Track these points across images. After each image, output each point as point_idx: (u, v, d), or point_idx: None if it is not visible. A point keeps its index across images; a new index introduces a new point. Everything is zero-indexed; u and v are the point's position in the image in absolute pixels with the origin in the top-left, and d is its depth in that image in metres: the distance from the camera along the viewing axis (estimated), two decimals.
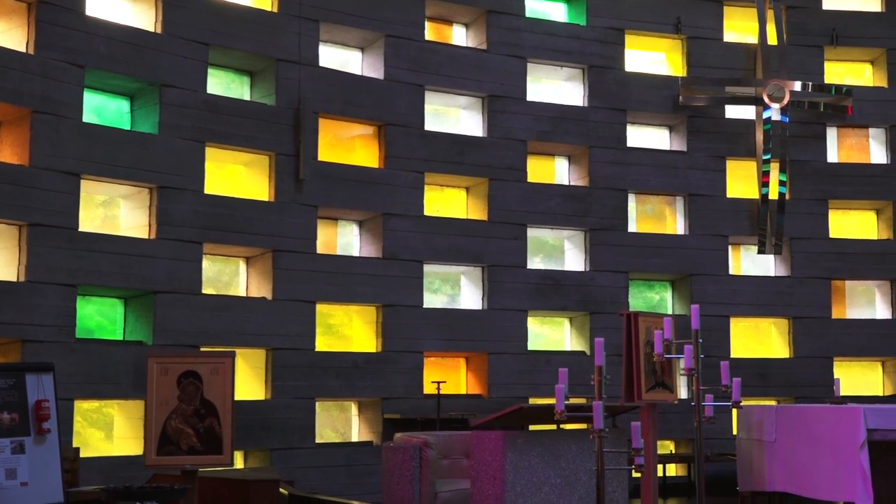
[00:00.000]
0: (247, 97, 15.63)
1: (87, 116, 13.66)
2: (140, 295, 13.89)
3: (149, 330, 13.72)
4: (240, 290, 15.24)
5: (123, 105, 14.48)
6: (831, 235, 18.51)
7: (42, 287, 12.68)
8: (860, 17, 19.11)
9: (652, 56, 18.90)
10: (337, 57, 16.48)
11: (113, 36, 13.76)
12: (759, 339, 18.55)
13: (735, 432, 13.96)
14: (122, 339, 13.93)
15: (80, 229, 13.21)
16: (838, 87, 18.44)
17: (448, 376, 16.30)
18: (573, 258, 17.69)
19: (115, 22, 14.04)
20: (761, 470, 12.53)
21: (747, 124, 18.40)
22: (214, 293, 14.87)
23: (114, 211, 14.44)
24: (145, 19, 14.42)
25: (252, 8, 15.43)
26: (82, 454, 12.11)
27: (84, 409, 13.70)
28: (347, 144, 16.40)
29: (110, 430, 13.91)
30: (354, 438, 15.81)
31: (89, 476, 11.87)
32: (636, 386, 11.72)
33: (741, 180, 18.51)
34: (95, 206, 14.36)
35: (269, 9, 15.54)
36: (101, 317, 13.96)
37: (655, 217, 18.44)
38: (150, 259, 13.69)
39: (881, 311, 18.85)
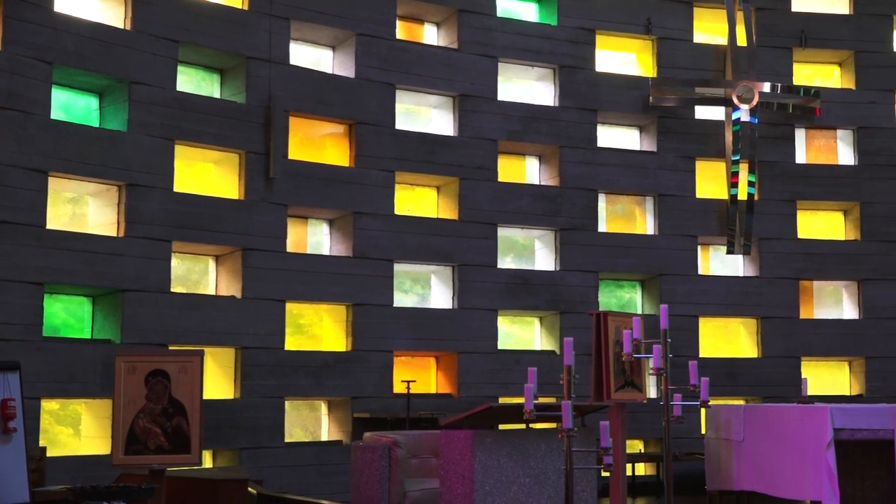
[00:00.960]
0: (217, 95, 15.57)
1: (55, 113, 13.57)
2: (108, 293, 13.81)
3: (117, 328, 13.64)
4: (209, 289, 15.18)
5: (92, 102, 14.39)
6: (799, 236, 18.60)
7: (9, 285, 12.58)
8: (828, 20, 19.21)
9: (622, 56, 18.93)
10: (308, 55, 16.44)
11: (82, 32, 13.67)
12: (727, 338, 18.61)
13: (703, 432, 14.01)
14: (89, 337, 13.84)
15: (47, 227, 13.11)
16: (807, 89, 18.52)
17: (418, 375, 16.28)
18: (543, 258, 17.70)
19: (84, 18, 13.95)
20: (729, 469, 12.58)
21: (717, 125, 18.47)
22: (183, 292, 14.80)
23: (82, 209, 14.35)
24: (114, 16, 14.34)
25: (222, 5, 15.36)
26: (49, 453, 12.02)
27: (51, 408, 13.62)
28: (318, 143, 16.35)
29: (78, 429, 13.83)
30: (324, 438, 15.78)
31: (56, 475, 11.80)
32: (605, 385, 11.74)
33: (710, 181, 18.57)
34: (63, 203, 14.27)
35: (239, 6, 15.48)
36: (68, 315, 13.87)
37: (625, 217, 18.48)
38: (118, 257, 13.61)
39: (848, 312, 18.95)
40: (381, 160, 16.18)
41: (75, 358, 13.11)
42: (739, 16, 18.35)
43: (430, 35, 17.66)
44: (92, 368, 13.14)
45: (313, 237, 16.22)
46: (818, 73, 19.65)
